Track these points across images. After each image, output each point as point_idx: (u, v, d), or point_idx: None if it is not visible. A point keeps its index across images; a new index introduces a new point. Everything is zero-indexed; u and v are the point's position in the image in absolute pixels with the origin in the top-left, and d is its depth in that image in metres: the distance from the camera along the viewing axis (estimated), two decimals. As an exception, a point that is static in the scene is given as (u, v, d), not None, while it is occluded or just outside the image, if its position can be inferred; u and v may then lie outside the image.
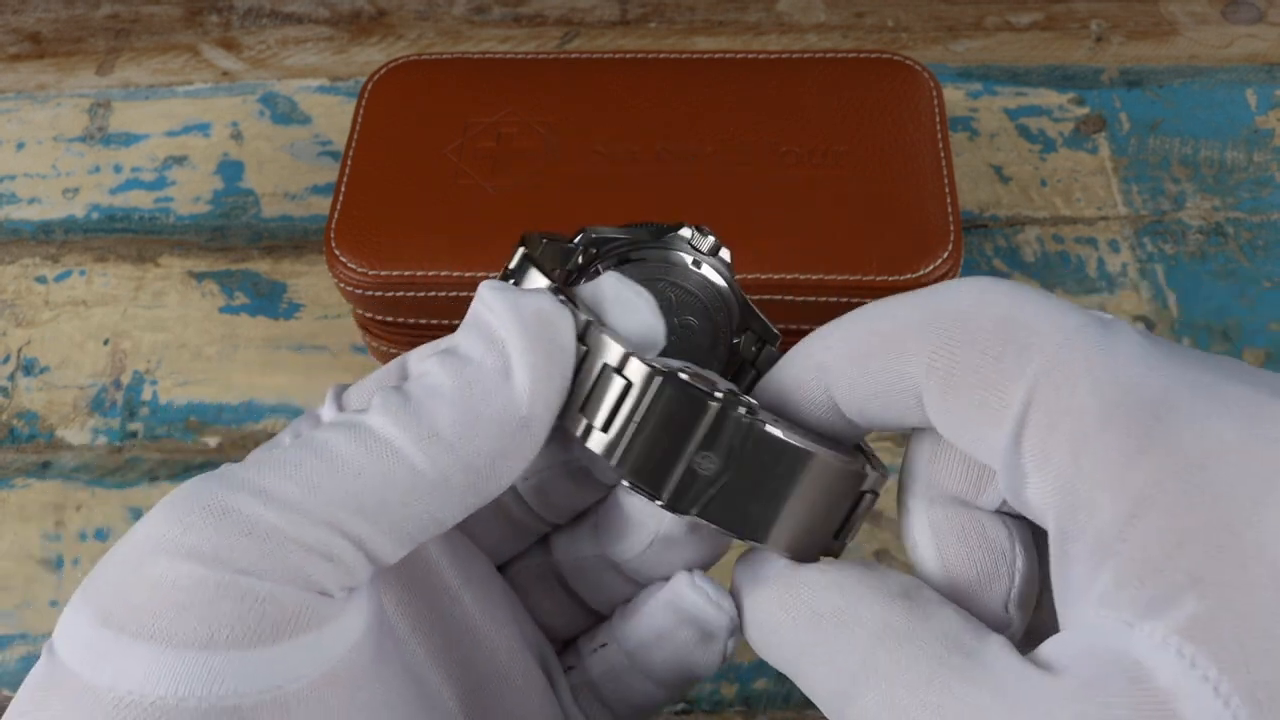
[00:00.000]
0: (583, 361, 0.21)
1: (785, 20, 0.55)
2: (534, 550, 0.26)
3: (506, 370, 0.20)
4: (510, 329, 0.20)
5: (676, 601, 0.24)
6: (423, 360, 0.22)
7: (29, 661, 0.38)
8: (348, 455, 0.20)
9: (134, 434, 0.43)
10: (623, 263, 0.25)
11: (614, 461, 0.21)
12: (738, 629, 0.23)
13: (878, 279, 0.38)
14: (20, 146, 0.51)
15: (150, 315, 0.46)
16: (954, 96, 0.51)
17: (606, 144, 0.42)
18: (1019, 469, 0.19)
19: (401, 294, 0.40)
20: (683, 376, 0.20)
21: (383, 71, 0.45)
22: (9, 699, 0.37)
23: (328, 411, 0.23)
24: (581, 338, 0.21)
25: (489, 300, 0.21)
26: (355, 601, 0.20)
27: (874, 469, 0.22)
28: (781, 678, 0.37)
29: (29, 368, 0.44)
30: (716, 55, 0.45)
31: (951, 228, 0.39)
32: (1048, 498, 0.19)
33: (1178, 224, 0.47)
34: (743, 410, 0.20)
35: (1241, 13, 0.54)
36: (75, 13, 0.56)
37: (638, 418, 0.21)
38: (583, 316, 0.21)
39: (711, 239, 0.26)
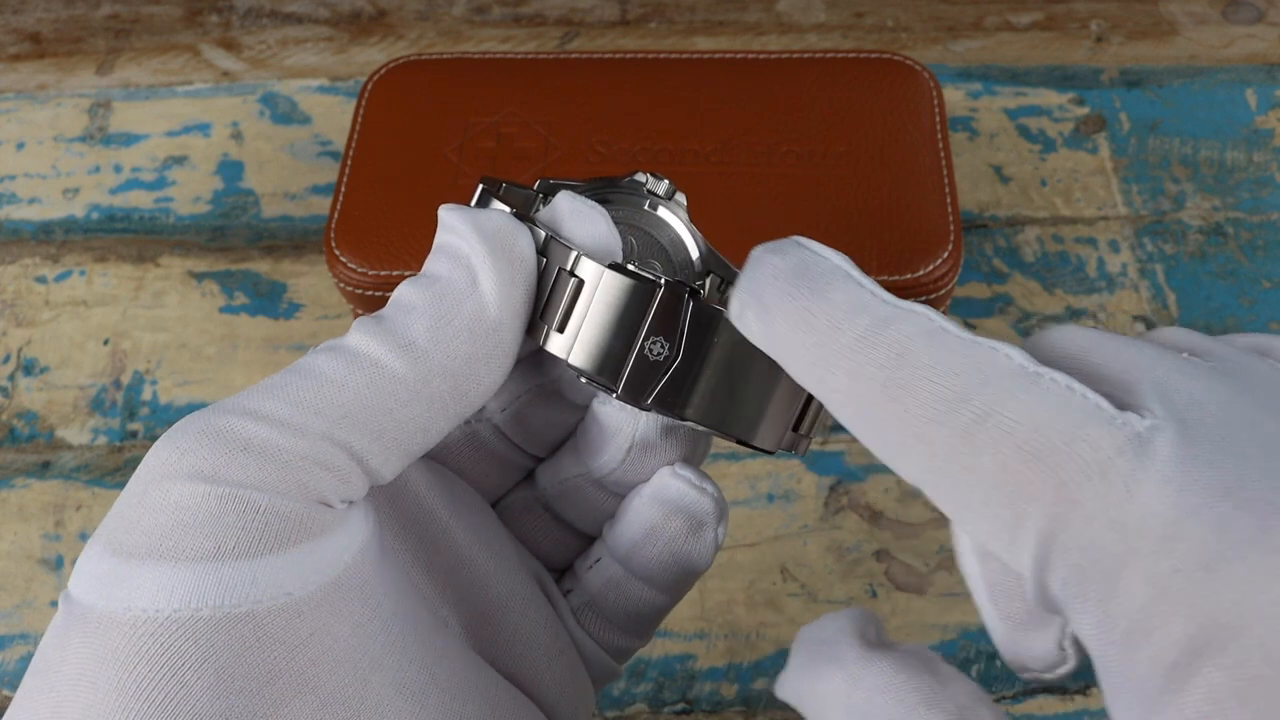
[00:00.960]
0: (543, 273, 0.22)
1: (785, 20, 0.55)
2: (520, 486, 0.27)
3: (473, 281, 0.21)
4: (472, 243, 0.22)
5: (661, 493, 0.24)
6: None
7: (29, 661, 0.38)
8: (330, 372, 0.21)
9: (134, 434, 0.43)
10: None
11: (570, 358, 0.22)
12: (725, 514, 0.24)
13: (878, 279, 0.38)
14: (20, 146, 0.51)
15: (150, 315, 0.46)
16: (954, 96, 0.51)
17: (606, 144, 0.42)
18: (1049, 602, 0.18)
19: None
20: (630, 266, 0.21)
21: (383, 71, 0.45)
22: (9, 699, 0.37)
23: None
24: (542, 251, 0.22)
25: (450, 221, 0.22)
26: (355, 514, 0.21)
27: None
28: (781, 678, 0.37)
29: (29, 368, 0.44)
30: (716, 55, 0.45)
31: (951, 228, 0.39)
32: (1082, 630, 0.18)
33: (1178, 224, 0.47)
34: (687, 291, 0.21)
35: (1241, 13, 0.54)
36: (75, 13, 0.56)
37: (591, 314, 0.22)
38: (541, 232, 0.22)
39: (666, 183, 0.26)
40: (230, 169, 0.50)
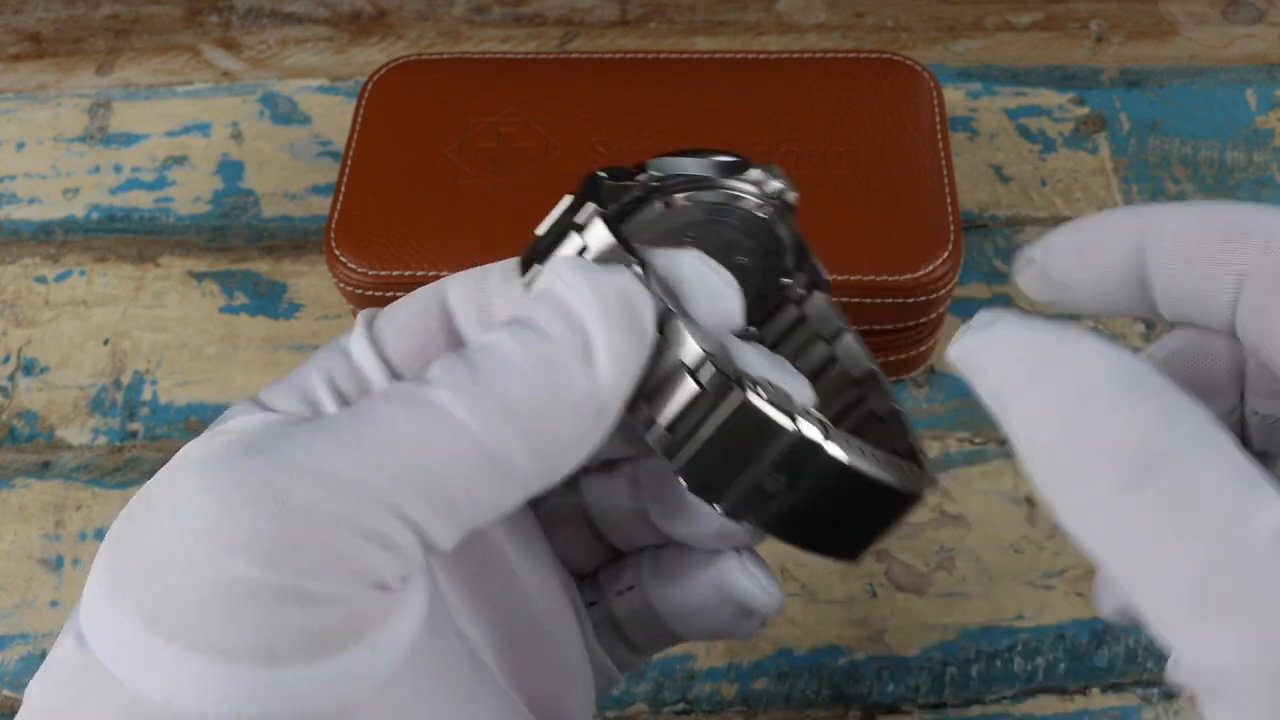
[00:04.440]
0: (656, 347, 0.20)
1: (785, 20, 0.55)
2: (561, 487, 0.26)
3: (587, 353, 0.19)
4: (591, 309, 0.19)
5: (725, 586, 0.23)
6: (486, 327, 0.21)
7: (29, 661, 0.38)
8: (410, 431, 0.18)
9: (134, 434, 0.43)
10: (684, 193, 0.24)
11: (675, 465, 0.20)
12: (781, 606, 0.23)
13: (878, 279, 0.38)
14: (20, 146, 0.51)
15: (150, 315, 0.46)
16: (954, 96, 0.51)
17: (606, 144, 0.42)
18: None
19: (401, 294, 0.39)
20: (759, 398, 0.20)
21: (383, 71, 0.45)
22: (9, 699, 0.37)
23: (358, 344, 0.22)
24: (660, 326, 0.20)
25: (568, 278, 0.20)
26: (412, 591, 0.19)
27: (929, 485, 0.22)
28: (781, 677, 0.37)
29: (29, 368, 0.44)
30: (716, 55, 0.45)
31: (951, 228, 0.39)
32: None
33: (1178, 224, 0.47)
34: (819, 436, 0.20)
35: (1241, 13, 0.54)
36: (75, 13, 0.56)
37: (707, 428, 0.20)
38: (660, 300, 0.20)
39: (777, 183, 0.25)
40: (230, 169, 0.50)
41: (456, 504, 0.18)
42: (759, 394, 0.20)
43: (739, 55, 0.45)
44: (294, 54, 0.54)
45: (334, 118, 0.51)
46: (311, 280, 0.46)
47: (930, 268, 0.38)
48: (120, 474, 0.42)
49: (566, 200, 0.22)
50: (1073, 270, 0.22)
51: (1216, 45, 0.53)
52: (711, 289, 0.21)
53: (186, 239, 0.48)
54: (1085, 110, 0.51)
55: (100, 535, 0.40)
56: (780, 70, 0.44)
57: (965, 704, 0.36)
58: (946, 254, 0.39)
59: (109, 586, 0.18)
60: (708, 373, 0.20)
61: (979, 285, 0.46)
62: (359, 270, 0.40)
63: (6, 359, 0.45)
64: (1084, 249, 0.22)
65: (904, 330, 0.40)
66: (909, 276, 0.38)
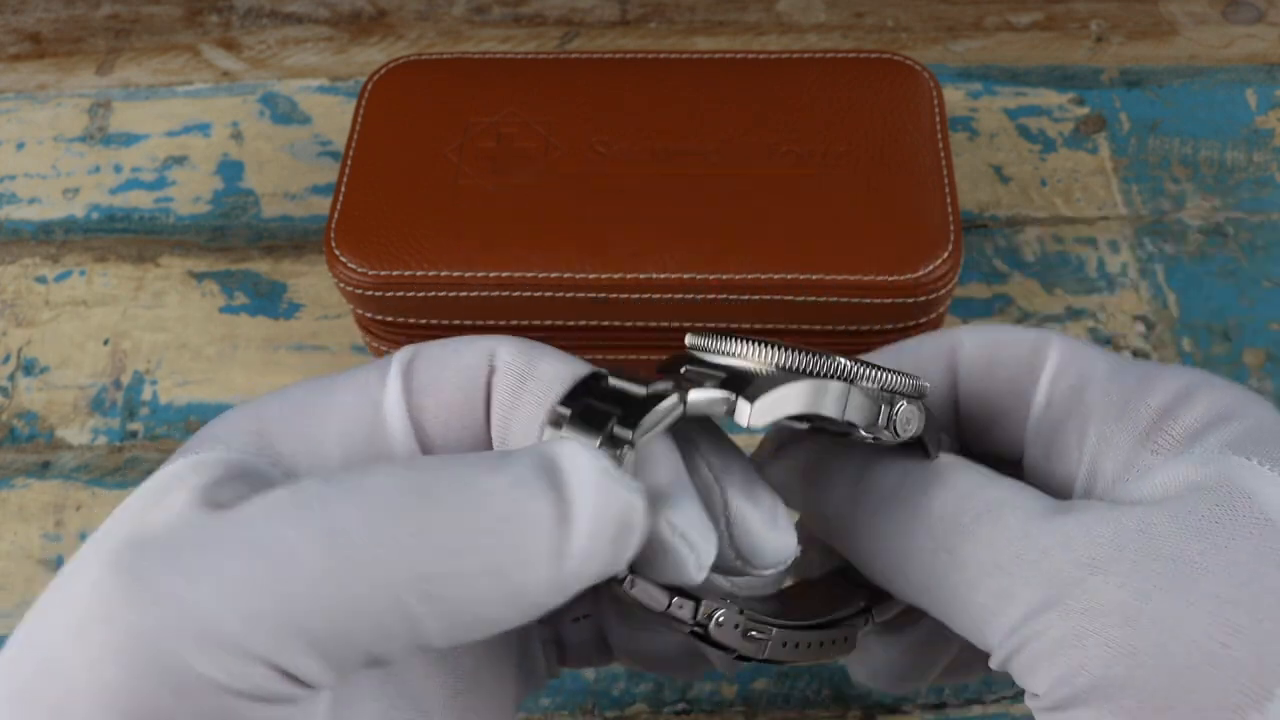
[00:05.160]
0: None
1: (785, 20, 0.55)
2: None
3: (558, 550, 0.18)
4: (583, 510, 0.18)
5: (694, 642, 0.23)
6: (502, 437, 0.21)
7: (29, 661, 0.38)
8: (322, 565, 0.17)
9: (134, 434, 0.43)
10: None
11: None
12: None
13: (878, 279, 0.38)
14: (20, 146, 0.51)
15: (150, 315, 0.46)
16: (954, 96, 0.51)
17: (606, 144, 0.42)
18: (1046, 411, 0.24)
19: (401, 294, 0.40)
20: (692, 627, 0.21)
21: (383, 71, 0.45)
22: (9, 699, 0.37)
23: (393, 407, 0.21)
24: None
25: (582, 467, 0.18)
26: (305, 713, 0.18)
27: None
28: (781, 677, 0.37)
29: (29, 368, 0.44)
30: (716, 55, 0.45)
31: (951, 228, 0.39)
32: (1076, 422, 0.23)
33: (1178, 224, 0.47)
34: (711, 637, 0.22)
35: (1241, 13, 0.54)
36: (75, 13, 0.56)
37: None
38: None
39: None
40: (230, 169, 0.50)
41: (347, 655, 0.18)
42: (696, 626, 0.21)
43: (739, 55, 0.45)
44: (294, 54, 0.54)
45: (334, 118, 0.51)
46: (311, 280, 0.46)
47: (930, 268, 0.38)
48: (120, 474, 0.42)
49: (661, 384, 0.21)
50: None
51: (1216, 45, 0.53)
52: (678, 555, 0.20)
53: (186, 239, 0.48)
54: (1085, 110, 0.51)
55: (100, 535, 0.40)
56: (780, 70, 0.44)
57: (965, 704, 0.36)
58: (946, 254, 0.39)
59: (19, 637, 0.18)
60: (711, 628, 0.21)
61: (979, 285, 0.46)
62: (359, 270, 0.39)
63: (6, 359, 0.45)
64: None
65: (904, 330, 0.40)
66: (909, 276, 0.38)
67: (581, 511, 0.18)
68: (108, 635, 0.17)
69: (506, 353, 0.21)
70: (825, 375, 0.21)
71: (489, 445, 0.22)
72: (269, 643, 0.17)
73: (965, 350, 0.25)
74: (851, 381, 0.21)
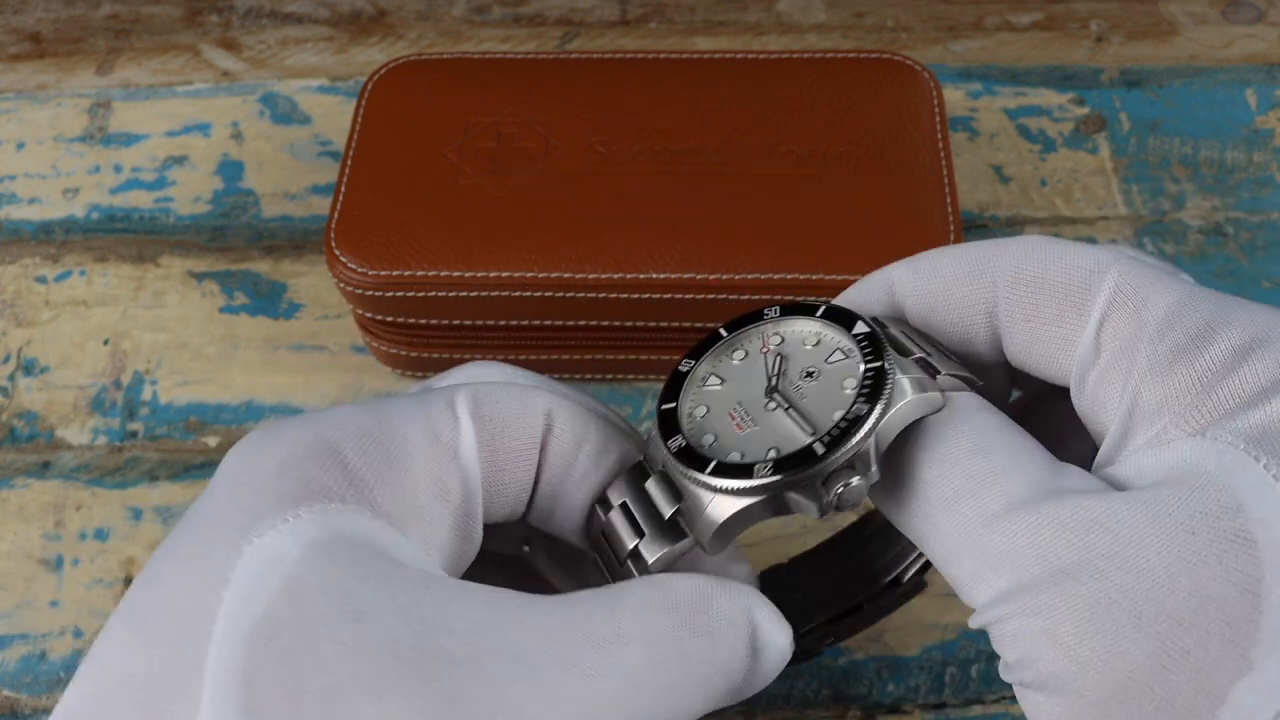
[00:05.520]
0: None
1: (785, 20, 0.55)
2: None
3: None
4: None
5: None
6: (560, 483, 0.25)
7: (29, 661, 0.38)
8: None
9: (134, 434, 0.43)
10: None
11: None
12: None
13: (878, 279, 0.38)
14: (20, 146, 0.51)
15: (150, 315, 0.46)
16: (954, 96, 0.51)
17: (606, 144, 0.42)
18: (1094, 356, 0.23)
19: (401, 294, 0.40)
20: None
21: (383, 71, 0.45)
22: (9, 699, 0.37)
23: (467, 449, 0.24)
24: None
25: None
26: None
27: None
28: (781, 677, 0.37)
29: (29, 368, 0.44)
30: (716, 55, 0.45)
31: (951, 228, 0.39)
32: (1119, 376, 0.22)
33: (1178, 224, 0.47)
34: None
35: (1241, 13, 0.54)
36: (75, 13, 0.56)
37: None
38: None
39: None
40: (230, 169, 0.50)
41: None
42: None
43: (739, 55, 0.45)
44: (294, 54, 0.54)
45: (334, 118, 0.51)
46: (311, 280, 0.46)
47: (930, 268, 0.38)
48: (120, 474, 0.42)
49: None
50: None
51: (1216, 45, 0.53)
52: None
53: (186, 239, 0.48)
54: (1085, 110, 0.51)
55: (100, 535, 0.40)
56: (780, 70, 0.44)
57: (965, 704, 0.36)
58: (946, 254, 0.39)
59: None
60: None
61: (979, 285, 0.45)
62: (359, 270, 0.39)
63: (6, 359, 0.45)
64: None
65: (904, 330, 0.40)
66: (909, 276, 0.38)
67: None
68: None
69: (563, 416, 0.24)
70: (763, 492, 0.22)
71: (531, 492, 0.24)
72: None
73: (1010, 264, 0.24)
74: (789, 489, 0.22)
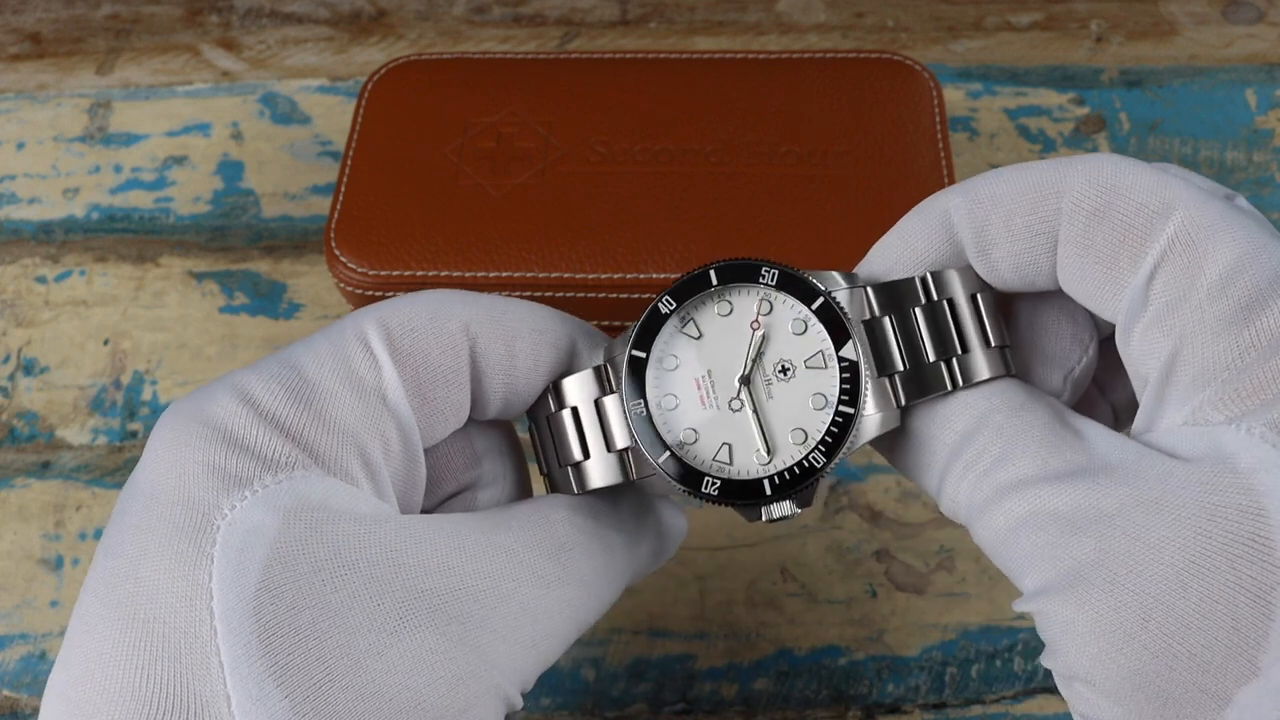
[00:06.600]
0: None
1: (785, 20, 0.55)
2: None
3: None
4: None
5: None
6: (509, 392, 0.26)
7: (29, 661, 0.38)
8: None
9: (134, 434, 0.43)
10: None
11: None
12: None
13: (878, 279, 0.38)
14: (20, 146, 0.51)
15: (150, 315, 0.46)
16: (954, 96, 0.51)
17: (606, 144, 0.42)
18: (1142, 306, 0.22)
19: (401, 293, 0.40)
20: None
21: (383, 71, 0.45)
22: (9, 699, 0.37)
23: (394, 394, 0.24)
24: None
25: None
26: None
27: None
28: (781, 678, 0.37)
29: (29, 368, 0.44)
30: (716, 55, 0.45)
31: (951, 228, 0.39)
32: (1162, 334, 0.22)
33: (1178, 224, 0.47)
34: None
35: (1241, 13, 0.54)
36: (75, 13, 0.56)
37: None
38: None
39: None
40: (230, 169, 0.50)
41: None
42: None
43: (739, 55, 0.45)
44: (294, 54, 0.54)
45: (334, 118, 0.51)
46: (311, 280, 0.46)
47: (930, 268, 0.38)
48: (120, 474, 0.42)
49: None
50: (896, 262, 0.25)
51: (1216, 45, 0.53)
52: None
53: (186, 239, 0.48)
54: (1085, 110, 0.51)
55: (100, 535, 0.40)
56: (780, 70, 0.44)
57: (965, 704, 0.36)
58: (946, 254, 0.39)
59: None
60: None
61: (979, 285, 0.45)
62: (359, 270, 0.40)
63: (6, 359, 0.45)
64: (910, 241, 0.25)
65: (904, 330, 0.40)
66: (909, 276, 0.38)
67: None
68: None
69: (485, 329, 0.25)
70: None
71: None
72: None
73: (1077, 184, 0.22)
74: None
